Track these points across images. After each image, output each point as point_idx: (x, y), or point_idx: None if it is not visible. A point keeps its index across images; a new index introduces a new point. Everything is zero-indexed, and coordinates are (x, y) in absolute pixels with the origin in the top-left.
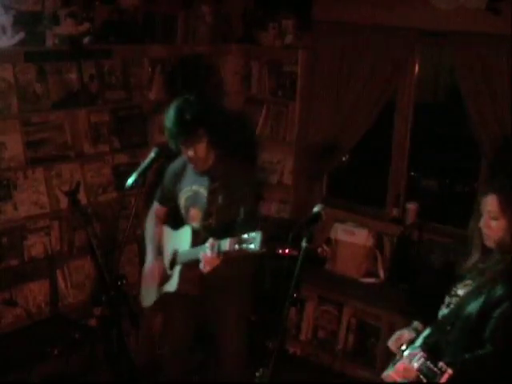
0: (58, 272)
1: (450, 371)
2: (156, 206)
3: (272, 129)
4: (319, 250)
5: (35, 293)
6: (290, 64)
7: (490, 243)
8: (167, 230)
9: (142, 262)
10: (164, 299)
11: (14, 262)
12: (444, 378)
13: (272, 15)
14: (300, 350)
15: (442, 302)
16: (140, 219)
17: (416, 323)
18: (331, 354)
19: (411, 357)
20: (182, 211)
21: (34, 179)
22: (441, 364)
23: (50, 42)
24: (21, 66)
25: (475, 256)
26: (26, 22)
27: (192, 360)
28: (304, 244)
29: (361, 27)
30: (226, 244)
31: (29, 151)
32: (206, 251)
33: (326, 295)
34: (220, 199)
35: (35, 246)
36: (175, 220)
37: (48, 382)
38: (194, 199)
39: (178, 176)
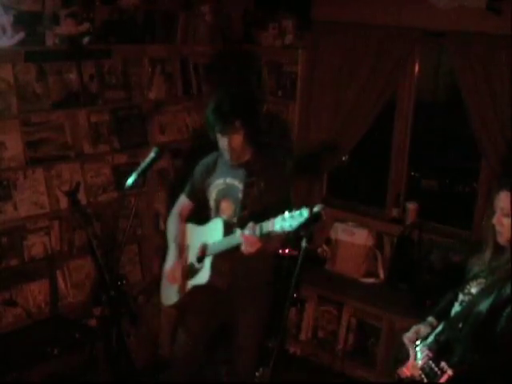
0: (58, 272)
1: (450, 372)
2: (183, 200)
3: None
4: (319, 250)
5: (35, 293)
6: (290, 64)
7: (502, 240)
8: (191, 227)
9: (141, 262)
10: (189, 297)
11: (14, 262)
12: (443, 379)
13: (272, 15)
14: (300, 350)
15: (456, 300)
16: (140, 219)
17: (431, 318)
18: (331, 354)
19: (419, 354)
20: (212, 204)
21: (34, 179)
22: (442, 364)
23: (50, 42)
24: (21, 66)
25: (487, 253)
26: (26, 21)
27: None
28: (304, 244)
29: (361, 27)
30: (268, 224)
31: (29, 151)
32: (248, 232)
33: (326, 295)
34: (256, 192)
35: (35, 245)
36: (198, 217)
37: (48, 382)
38: (226, 192)
39: (210, 170)
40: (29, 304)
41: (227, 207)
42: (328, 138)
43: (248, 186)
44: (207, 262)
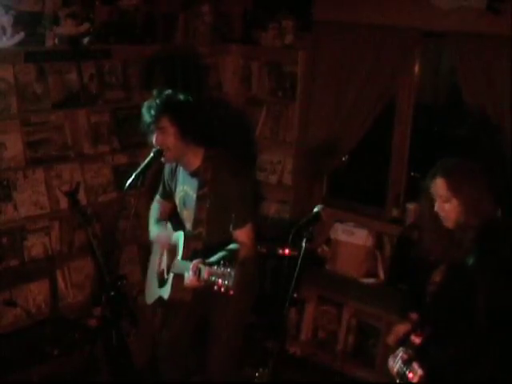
0: (58, 272)
1: (420, 372)
2: (159, 200)
3: (272, 129)
4: (319, 250)
5: (35, 293)
6: (290, 64)
7: (449, 224)
8: (169, 229)
9: (142, 262)
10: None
11: (13, 262)
12: (415, 380)
13: (272, 15)
14: (300, 350)
15: (424, 292)
16: (140, 219)
17: (412, 314)
18: (331, 354)
19: (395, 357)
20: (178, 210)
21: (34, 179)
22: (414, 365)
23: (50, 42)
24: (21, 66)
25: (439, 241)
26: (26, 21)
27: (190, 360)
28: (304, 244)
29: (361, 27)
30: (204, 272)
31: (29, 151)
32: (190, 273)
33: (326, 295)
34: (208, 206)
35: (35, 246)
36: (177, 217)
37: (48, 382)
38: (185, 200)
39: (174, 173)
40: (29, 304)
41: (188, 216)
42: (328, 138)
43: (199, 199)
44: (170, 278)
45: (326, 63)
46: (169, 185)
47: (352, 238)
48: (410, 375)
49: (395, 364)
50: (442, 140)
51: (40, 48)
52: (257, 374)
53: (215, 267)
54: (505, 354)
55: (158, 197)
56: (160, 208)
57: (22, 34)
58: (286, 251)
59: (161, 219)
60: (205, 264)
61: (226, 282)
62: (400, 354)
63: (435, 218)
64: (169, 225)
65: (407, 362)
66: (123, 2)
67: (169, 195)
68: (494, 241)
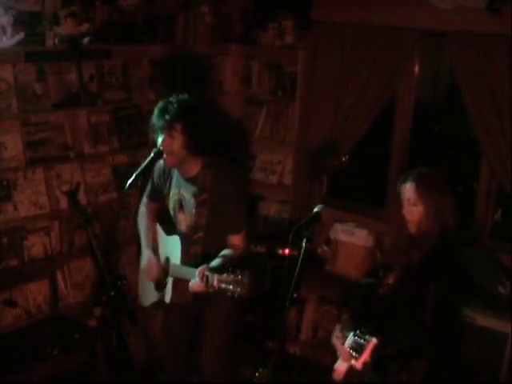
0: (58, 272)
1: (374, 340)
2: (146, 201)
3: (272, 129)
4: (319, 250)
5: (35, 293)
6: (290, 64)
7: (412, 228)
8: (160, 232)
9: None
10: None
11: (13, 262)
12: (369, 347)
13: (272, 15)
14: (300, 350)
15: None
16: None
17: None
18: (331, 354)
19: (340, 338)
20: (171, 213)
21: (34, 179)
22: (367, 336)
23: (50, 42)
24: (21, 66)
25: (399, 244)
26: (26, 22)
27: (191, 360)
28: (304, 244)
29: (361, 27)
30: (214, 279)
31: (29, 151)
32: (196, 279)
33: (326, 295)
34: (207, 211)
35: (35, 246)
36: (168, 218)
37: (48, 382)
38: (181, 203)
39: (166, 175)
40: (29, 304)
41: (184, 219)
42: (328, 138)
43: (199, 205)
44: (169, 282)
45: (326, 63)
46: (159, 186)
47: (352, 238)
48: (366, 343)
49: (348, 340)
50: (441, 140)
51: (40, 48)
52: (257, 374)
53: (225, 275)
54: (446, 348)
55: (144, 199)
56: (148, 215)
57: (21, 34)
58: (286, 251)
59: (150, 233)
60: (211, 271)
61: (239, 289)
62: (351, 333)
63: (400, 221)
64: (160, 229)
65: (359, 335)
66: (123, 1)
67: (157, 196)
68: (450, 249)
